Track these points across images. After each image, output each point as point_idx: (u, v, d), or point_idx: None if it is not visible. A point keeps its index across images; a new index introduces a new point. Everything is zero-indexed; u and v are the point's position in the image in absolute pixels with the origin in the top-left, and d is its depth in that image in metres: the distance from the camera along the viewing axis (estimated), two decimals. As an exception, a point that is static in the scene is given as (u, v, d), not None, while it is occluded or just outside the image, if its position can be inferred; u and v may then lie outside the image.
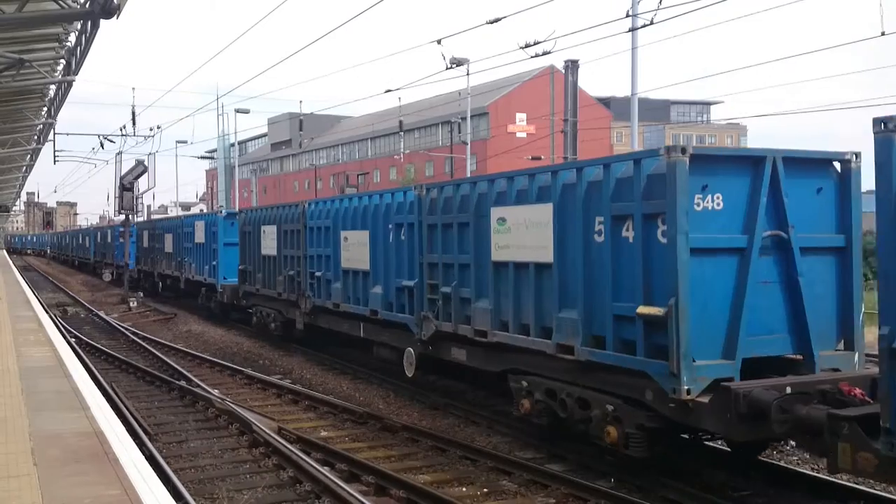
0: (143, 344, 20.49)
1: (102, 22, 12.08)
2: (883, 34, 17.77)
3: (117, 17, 10.51)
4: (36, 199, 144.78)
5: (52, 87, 19.11)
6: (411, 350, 13.34)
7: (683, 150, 8.04)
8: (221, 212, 26.20)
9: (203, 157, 69.69)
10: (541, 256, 10.02)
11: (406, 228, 13.46)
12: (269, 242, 19.94)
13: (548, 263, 9.87)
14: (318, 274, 16.98)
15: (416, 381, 14.22)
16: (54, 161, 37.60)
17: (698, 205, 8.27)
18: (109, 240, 45.21)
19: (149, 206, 74.12)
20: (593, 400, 9.23)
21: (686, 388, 7.90)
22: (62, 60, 16.39)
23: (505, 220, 10.70)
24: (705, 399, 7.90)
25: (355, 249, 15.24)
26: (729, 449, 9.82)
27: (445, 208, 12.21)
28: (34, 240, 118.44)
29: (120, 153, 40.21)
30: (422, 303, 12.72)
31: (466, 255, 11.59)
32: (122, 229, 35.46)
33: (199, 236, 26.74)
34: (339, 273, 15.99)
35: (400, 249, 13.68)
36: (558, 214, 9.74)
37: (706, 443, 9.69)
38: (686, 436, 9.37)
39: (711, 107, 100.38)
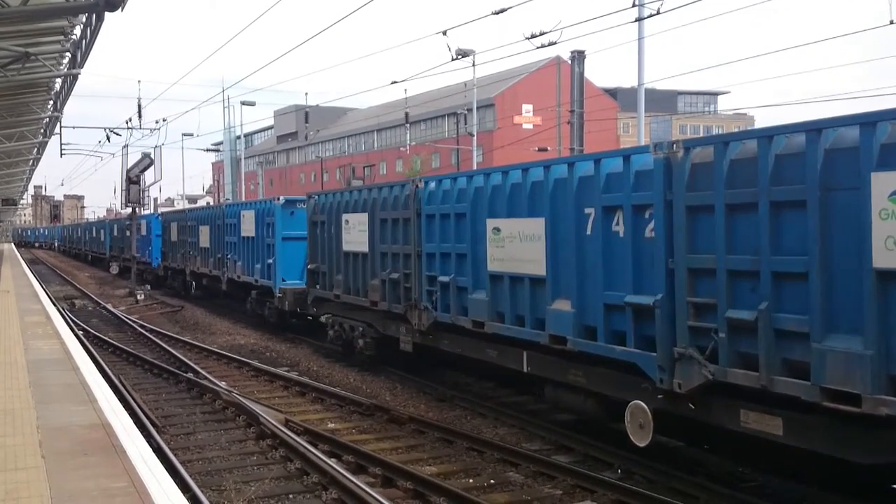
0: (151, 336, 20.57)
1: (107, 15, 12.07)
2: (892, 23, 17.68)
3: (122, 10, 10.49)
4: (43, 193, 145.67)
5: (58, 80, 19.10)
6: (643, 406, 8.76)
7: None
8: (279, 199, 21.57)
9: (209, 150, 69.77)
10: None
11: (627, 213, 8.99)
12: (355, 235, 15.72)
13: None
14: (442, 279, 12.69)
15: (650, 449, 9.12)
16: (61, 154, 37.73)
17: None
18: (127, 233, 43.53)
19: (155, 199, 74.48)
20: None
21: None
22: (67, 54, 16.36)
23: None
24: None
25: (516, 245, 10.89)
26: None
27: (732, 179, 7.72)
28: (45, 233, 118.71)
29: (126, 146, 40.28)
30: (671, 332, 8.30)
31: (793, 257, 7.15)
32: (141, 221, 34.94)
33: (248, 229, 22.68)
34: (484, 278, 11.60)
35: (613, 246, 9.21)
36: None
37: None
38: None
39: (718, 97, 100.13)
